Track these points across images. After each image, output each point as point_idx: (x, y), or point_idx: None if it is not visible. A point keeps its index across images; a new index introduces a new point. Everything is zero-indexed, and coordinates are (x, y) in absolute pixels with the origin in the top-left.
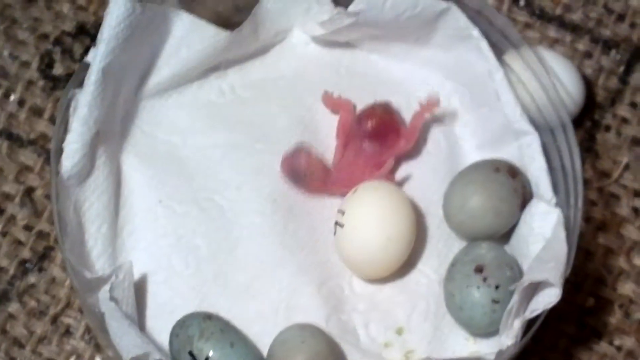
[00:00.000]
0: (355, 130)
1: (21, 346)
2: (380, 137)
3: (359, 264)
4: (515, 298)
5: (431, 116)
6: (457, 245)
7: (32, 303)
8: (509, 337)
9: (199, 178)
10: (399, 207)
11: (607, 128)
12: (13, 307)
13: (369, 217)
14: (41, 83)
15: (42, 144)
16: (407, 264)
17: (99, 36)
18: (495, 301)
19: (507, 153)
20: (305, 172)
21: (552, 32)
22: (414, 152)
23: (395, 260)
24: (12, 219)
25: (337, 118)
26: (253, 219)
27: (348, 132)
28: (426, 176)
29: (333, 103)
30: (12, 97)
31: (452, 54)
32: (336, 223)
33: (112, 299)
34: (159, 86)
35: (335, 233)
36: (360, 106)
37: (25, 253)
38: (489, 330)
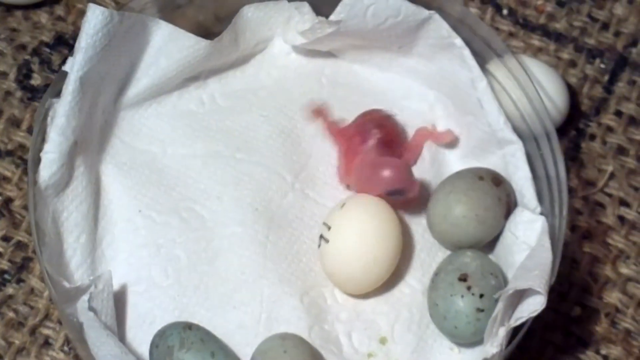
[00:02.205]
0: (362, 137)
1: None
2: (390, 147)
3: (343, 279)
4: (500, 306)
5: (416, 123)
6: (441, 254)
7: (11, 314)
8: (493, 345)
9: (179, 188)
10: (387, 226)
11: (592, 137)
12: None
13: (356, 234)
14: (19, 94)
15: (20, 155)
16: (390, 274)
17: (76, 45)
18: (479, 310)
19: (491, 162)
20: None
21: (536, 41)
22: None
23: (380, 278)
24: None
25: (318, 128)
26: (234, 229)
27: (342, 135)
28: None
29: (317, 113)
30: None
31: (435, 63)
32: (321, 237)
33: (91, 309)
34: (138, 96)
35: (319, 246)
36: (341, 116)
37: (4, 264)
38: (473, 340)
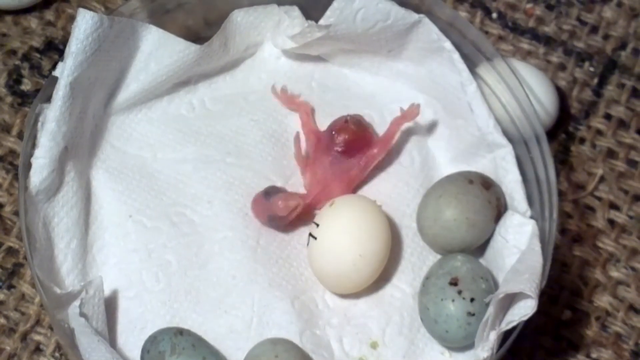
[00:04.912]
0: (327, 143)
1: None
2: (353, 152)
3: (330, 278)
4: (491, 310)
5: (406, 127)
6: (432, 258)
7: (2, 320)
8: (484, 349)
9: (169, 193)
10: (374, 224)
11: (582, 140)
12: None
13: (342, 232)
14: (9, 99)
15: (10, 161)
16: (380, 278)
17: (66, 50)
18: (470, 314)
19: (481, 165)
20: (285, 217)
21: (525, 44)
22: (387, 164)
23: (367, 277)
24: None
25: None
26: (225, 234)
27: (314, 133)
28: (399, 189)
29: (290, 101)
30: None
31: (425, 66)
32: (310, 235)
33: (82, 314)
34: (128, 101)
35: (308, 244)
36: (331, 120)
37: None
38: (464, 344)
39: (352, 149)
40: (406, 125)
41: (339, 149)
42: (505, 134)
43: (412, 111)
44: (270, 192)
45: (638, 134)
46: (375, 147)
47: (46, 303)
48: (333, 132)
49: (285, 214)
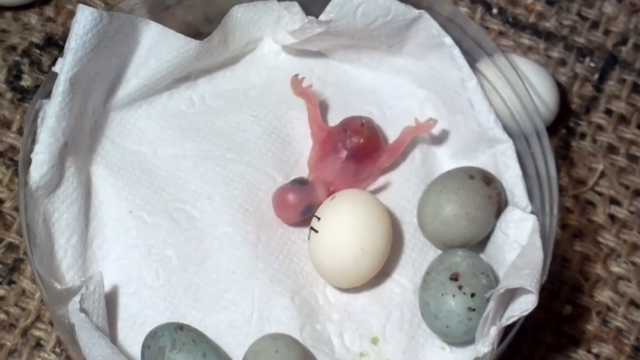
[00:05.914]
0: (336, 142)
1: None
2: (363, 156)
3: (331, 271)
4: (491, 305)
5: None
6: (432, 253)
7: (2, 316)
8: (485, 345)
9: (169, 188)
10: (375, 219)
11: (582, 135)
12: None
13: (344, 226)
14: (9, 95)
15: (10, 156)
16: (381, 273)
17: (66, 45)
18: (471, 309)
19: (481, 161)
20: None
21: (526, 39)
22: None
23: (368, 272)
24: None
25: (308, 127)
26: (225, 229)
27: (322, 128)
28: (400, 184)
29: (300, 90)
30: None
31: (425, 62)
32: (311, 228)
33: (83, 310)
34: (128, 96)
35: (309, 238)
36: (331, 116)
37: None
38: (465, 339)
39: (362, 153)
40: (405, 120)
41: (350, 152)
42: (506, 129)
43: (426, 125)
44: (303, 182)
45: (639, 129)
46: (383, 155)
47: (46, 299)
48: (347, 133)
49: (325, 198)
